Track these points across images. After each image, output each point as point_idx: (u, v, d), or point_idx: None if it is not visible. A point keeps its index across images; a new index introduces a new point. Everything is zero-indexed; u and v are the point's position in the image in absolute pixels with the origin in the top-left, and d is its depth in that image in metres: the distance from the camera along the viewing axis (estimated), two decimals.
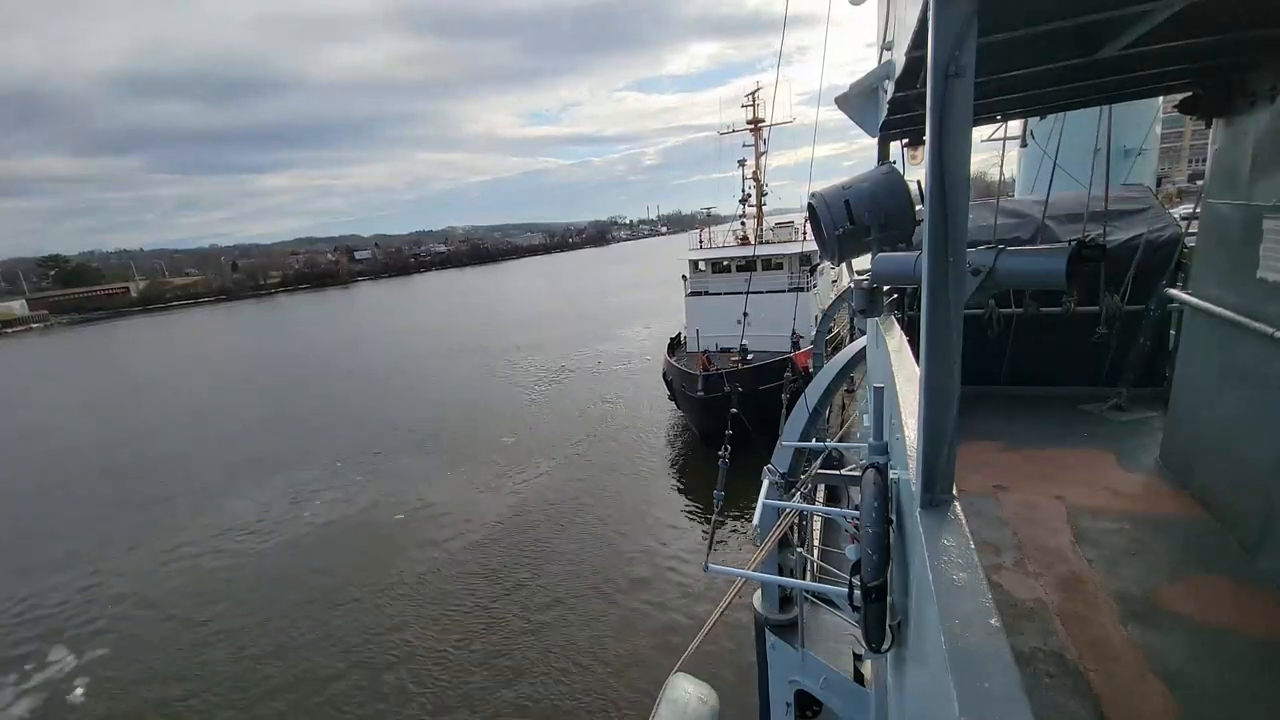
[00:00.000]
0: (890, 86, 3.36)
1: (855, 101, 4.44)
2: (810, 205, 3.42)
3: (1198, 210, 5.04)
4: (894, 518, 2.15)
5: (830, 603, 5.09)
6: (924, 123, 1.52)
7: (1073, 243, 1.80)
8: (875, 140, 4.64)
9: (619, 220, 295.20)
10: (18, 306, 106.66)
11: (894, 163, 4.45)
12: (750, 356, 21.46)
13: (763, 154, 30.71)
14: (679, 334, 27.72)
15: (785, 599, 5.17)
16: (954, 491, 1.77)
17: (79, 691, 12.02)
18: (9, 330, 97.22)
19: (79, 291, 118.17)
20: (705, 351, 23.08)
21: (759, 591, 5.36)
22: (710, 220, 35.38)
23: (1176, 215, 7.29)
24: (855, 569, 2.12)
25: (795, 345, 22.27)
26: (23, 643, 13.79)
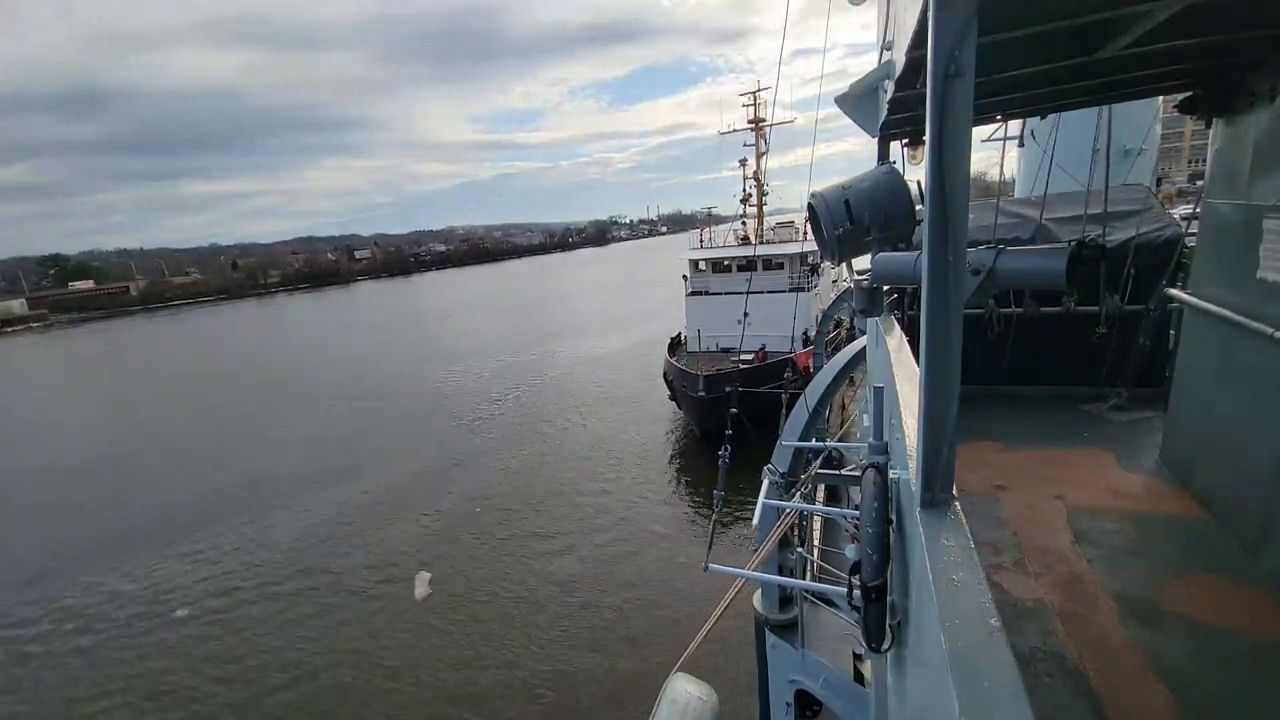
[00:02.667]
0: (890, 86, 3.35)
1: (855, 101, 4.43)
2: (810, 205, 3.42)
3: (1198, 210, 5.04)
4: (894, 518, 2.15)
5: (830, 603, 5.09)
6: (924, 123, 1.52)
7: (1073, 243, 1.80)
8: (855, 140, 4.63)
9: (619, 220, 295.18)
10: (17, 306, 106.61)
11: (894, 163, 4.45)
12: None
13: (763, 154, 30.72)
14: (679, 334, 27.72)
15: (785, 599, 5.17)
16: (954, 491, 1.77)
17: None
18: (8, 330, 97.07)
19: (79, 291, 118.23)
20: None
21: (759, 591, 5.36)
22: (711, 220, 35.35)
23: (1176, 215, 7.29)
24: (855, 569, 2.12)
25: (804, 344, 22.23)
26: None
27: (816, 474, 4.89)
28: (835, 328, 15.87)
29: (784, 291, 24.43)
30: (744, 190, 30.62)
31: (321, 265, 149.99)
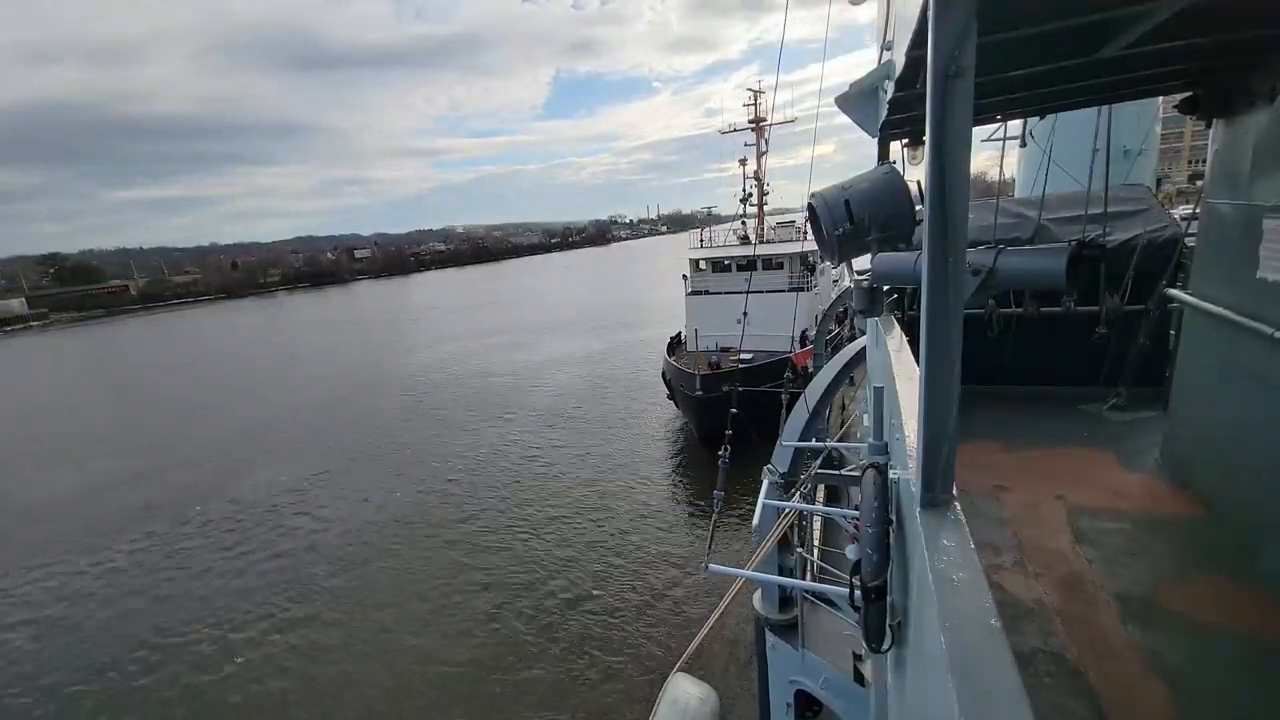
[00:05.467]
0: (890, 86, 3.36)
1: (855, 101, 4.44)
2: (810, 205, 3.42)
3: (1198, 210, 5.04)
4: (894, 518, 2.15)
5: (830, 603, 5.09)
6: (924, 123, 1.52)
7: (1073, 243, 1.80)
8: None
9: (619, 219, 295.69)
10: (17, 304, 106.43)
11: (894, 163, 4.45)
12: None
13: (764, 154, 30.72)
14: (679, 333, 27.72)
15: (785, 599, 5.17)
16: (954, 491, 1.77)
17: None
18: (8, 329, 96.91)
19: (79, 289, 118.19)
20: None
21: (759, 591, 5.36)
22: (711, 219, 35.34)
23: (1176, 215, 7.29)
24: (855, 569, 2.11)
25: (804, 344, 22.22)
26: None
27: (816, 474, 4.89)
28: (835, 329, 15.87)
29: (784, 291, 24.44)
30: (744, 190, 30.64)
31: (321, 265, 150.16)
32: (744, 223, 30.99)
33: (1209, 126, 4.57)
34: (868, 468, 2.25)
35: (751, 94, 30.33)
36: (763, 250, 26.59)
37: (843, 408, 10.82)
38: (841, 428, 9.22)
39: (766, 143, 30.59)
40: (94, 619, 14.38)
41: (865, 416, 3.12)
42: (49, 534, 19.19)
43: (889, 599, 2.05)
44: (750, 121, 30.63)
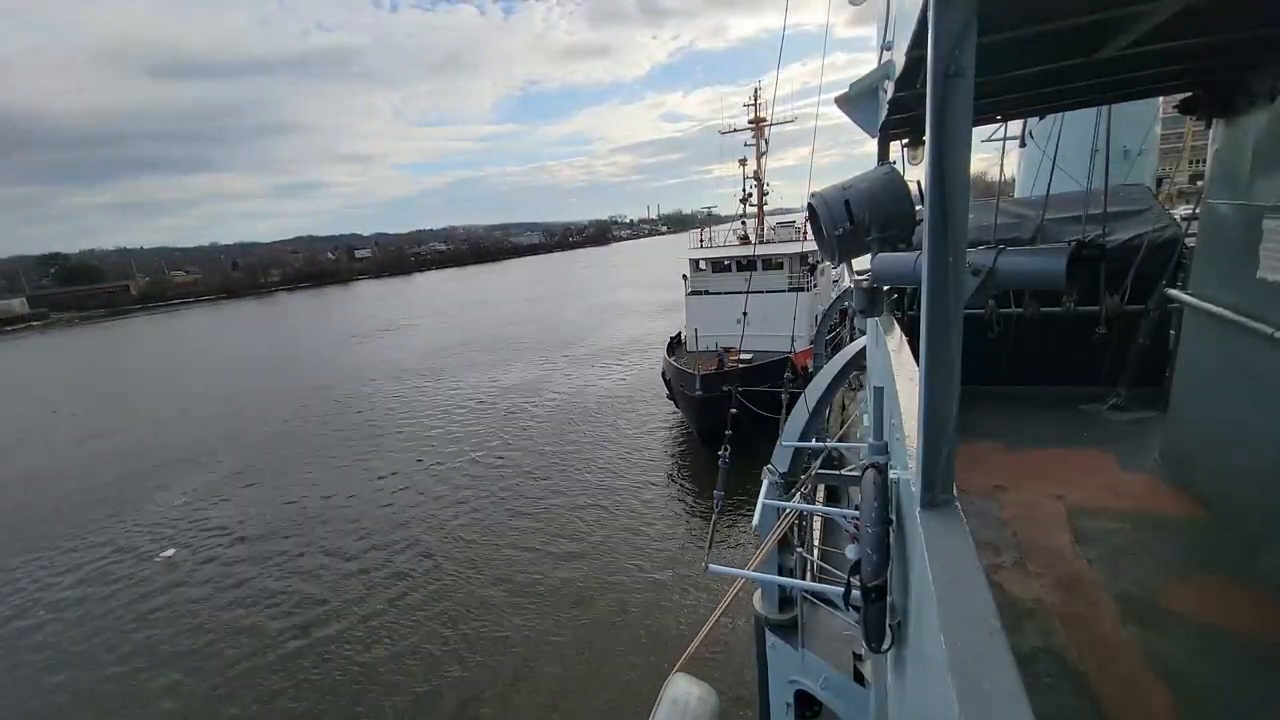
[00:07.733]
0: (890, 86, 3.36)
1: (855, 101, 4.44)
2: (810, 205, 3.42)
3: (1198, 210, 5.04)
4: (894, 518, 2.15)
5: (830, 603, 5.09)
6: (924, 123, 1.52)
7: (1073, 243, 1.80)
8: (849, 142, 4.65)
9: (619, 219, 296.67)
10: (18, 304, 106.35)
11: (894, 163, 4.45)
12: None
13: (763, 154, 30.73)
14: (679, 333, 27.71)
15: (785, 599, 5.17)
16: (954, 491, 1.76)
17: None
18: (8, 329, 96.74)
19: (79, 289, 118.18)
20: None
21: (759, 591, 5.36)
22: (711, 220, 35.37)
23: (1176, 215, 7.29)
24: (855, 569, 2.11)
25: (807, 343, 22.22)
26: None
27: (816, 474, 4.89)
28: (834, 329, 15.89)
29: (783, 291, 24.45)
30: (743, 189, 30.67)
31: (321, 264, 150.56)
32: (744, 223, 31.00)
33: (1209, 126, 4.57)
34: (868, 468, 2.24)
35: (751, 95, 30.38)
36: (762, 250, 26.61)
37: (843, 408, 10.81)
38: (841, 428, 9.22)
39: (766, 143, 30.63)
40: None
41: (865, 416, 3.12)
42: None
43: (889, 599, 2.05)
44: (750, 121, 30.67)
